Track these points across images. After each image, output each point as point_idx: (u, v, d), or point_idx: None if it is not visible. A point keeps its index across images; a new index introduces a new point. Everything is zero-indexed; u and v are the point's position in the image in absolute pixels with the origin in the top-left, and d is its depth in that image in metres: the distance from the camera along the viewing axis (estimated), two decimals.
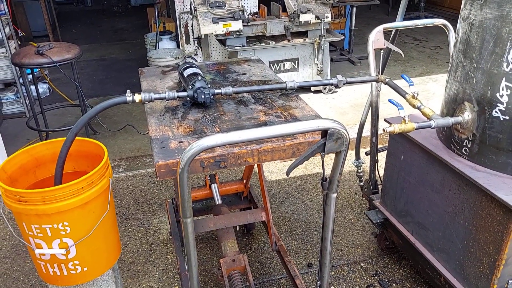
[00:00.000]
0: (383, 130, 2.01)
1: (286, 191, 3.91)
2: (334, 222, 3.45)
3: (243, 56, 5.33)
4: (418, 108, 2.17)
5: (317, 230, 3.40)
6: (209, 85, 2.17)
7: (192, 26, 5.92)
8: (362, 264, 3.05)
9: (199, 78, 2.16)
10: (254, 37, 5.49)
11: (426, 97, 5.53)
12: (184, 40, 5.96)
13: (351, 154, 3.78)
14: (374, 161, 3.03)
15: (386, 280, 2.89)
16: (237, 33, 5.20)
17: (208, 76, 2.60)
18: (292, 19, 5.29)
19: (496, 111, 1.96)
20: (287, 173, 1.72)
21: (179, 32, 6.02)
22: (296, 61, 5.55)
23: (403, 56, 3.09)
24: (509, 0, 1.79)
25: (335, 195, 1.85)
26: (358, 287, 2.86)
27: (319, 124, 1.54)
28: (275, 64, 5.51)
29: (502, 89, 1.91)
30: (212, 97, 2.16)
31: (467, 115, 2.08)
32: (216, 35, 5.25)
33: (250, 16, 5.46)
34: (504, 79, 1.89)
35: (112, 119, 5.21)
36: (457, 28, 2.17)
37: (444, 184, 2.21)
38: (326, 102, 5.63)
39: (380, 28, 2.85)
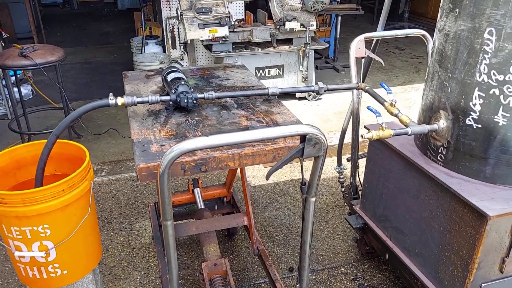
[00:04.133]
0: (361, 136, 2.06)
1: (269, 196, 3.94)
2: (313, 226, 3.50)
3: (229, 62, 5.37)
4: (396, 115, 2.23)
5: (299, 235, 3.44)
6: (192, 90, 2.19)
7: (178, 31, 5.94)
8: (342, 269, 3.09)
9: (182, 82, 2.19)
10: (240, 44, 5.54)
11: (407, 105, 5.64)
12: (170, 45, 5.98)
13: (334, 160, 3.84)
14: (354, 167, 3.09)
15: (366, 284, 2.94)
16: (223, 39, 5.24)
17: (192, 81, 2.63)
18: (277, 27, 5.36)
19: (469, 120, 2.02)
20: (267, 177, 1.75)
21: (165, 36, 6.04)
22: (282, 68, 5.62)
23: (383, 65, 3.16)
24: (481, 13, 1.86)
25: (314, 199, 1.89)
26: None
27: (297, 129, 1.58)
28: (261, 71, 5.56)
29: (475, 98, 1.98)
30: (195, 101, 2.19)
31: (442, 123, 2.15)
32: (202, 41, 5.29)
33: (236, 23, 5.52)
34: (476, 88, 1.96)
35: (96, 122, 5.19)
36: (433, 39, 2.24)
37: (421, 190, 2.27)
38: (310, 109, 5.69)
39: (361, 37, 2.92)
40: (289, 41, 5.57)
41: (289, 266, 3.12)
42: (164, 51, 6.23)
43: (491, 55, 1.88)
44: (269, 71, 5.60)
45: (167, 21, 5.96)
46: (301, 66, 5.62)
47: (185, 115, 2.16)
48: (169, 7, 5.90)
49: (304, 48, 5.47)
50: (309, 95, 5.86)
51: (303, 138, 1.64)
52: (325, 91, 2.44)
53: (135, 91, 2.47)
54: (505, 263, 2.03)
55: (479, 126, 2.00)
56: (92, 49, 8.42)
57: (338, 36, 7.01)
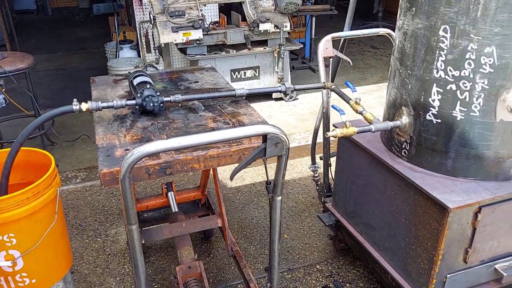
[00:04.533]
0: (326, 134, 2.10)
1: (246, 197, 3.96)
2: (290, 225, 3.54)
3: (204, 65, 5.37)
4: (361, 113, 2.28)
5: None
6: (158, 93, 2.20)
7: (152, 35, 5.92)
8: (318, 266, 3.12)
9: (148, 86, 2.19)
10: (215, 46, 5.55)
11: (382, 103, 5.73)
12: (145, 49, 5.95)
13: (308, 159, 3.88)
14: (327, 165, 3.13)
15: (340, 280, 2.98)
16: (197, 42, 5.25)
17: (160, 84, 2.63)
18: (251, 28, 5.39)
19: (429, 115, 2.08)
20: (231, 178, 1.77)
21: (139, 41, 6.01)
22: (257, 69, 5.64)
23: (351, 64, 3.22)
24: (435, 11, 1.92)
25: (280, 198, 1.91)
26: None
27: (257, 130, 1.61)
28: (236, 72, 5.58)
29: (434, 94, 2.03)
30: (161, 105, 2.20)
31: (405, 119, 2.20)
32: (177, 44, 5.28)
33: (210, 25, 5.53)
34: (435, 84, 2.02)
35: (71, 129, 5.13)
36: (394, 37, 2.30)
37: (387, 185, 2.32)
38: (287, 109, 5.73)
39: (328, 38, 2.96)
40: (263, 43, 5.60)
41: (265, 266, 3.13)
42: (139, 56, 6.19)
43: (447, 51, 1.93)
44: (244, 72, 5.62)
45: (141, 25, 5.93)
46: (276, 67, 5.66)
47: (152, 119, 2.16)
48: (143, 11, 5.88)
49: (278, 49, 5.51)
50: (286, 96, 5.90)
51: (265, 138, 1.66)
52: (292, 91, 2.47)
53: (102, 96, 2.46)
54: (468, 254, 2.09)
55: (439, 121, 2.06)
56: (67, 55, 8.32)
57: (313, 36, 7.08)
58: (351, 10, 3.00)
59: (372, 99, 5.74)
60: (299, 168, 4.42)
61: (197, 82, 2.67)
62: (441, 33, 1.93)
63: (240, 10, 5.70)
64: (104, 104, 2.09)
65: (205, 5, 5.98)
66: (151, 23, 5.30)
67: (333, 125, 2.74)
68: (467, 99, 1.95)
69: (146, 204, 3.11)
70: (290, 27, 5.58)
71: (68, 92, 6.32)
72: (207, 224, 2.85)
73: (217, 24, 5.59)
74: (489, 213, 2.01)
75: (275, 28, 5.38)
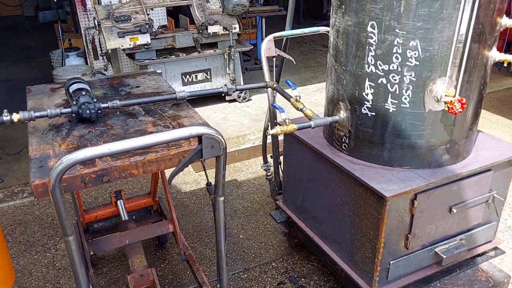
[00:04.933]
0: (267, 133, 2.12)
1: (201, 201, 3.94)
2: (243, 225, 3.55)
3: (149, 69, 5.30)
4: (301, 110, 2.32)
5: (230, 236, 3.47)
6: (95, 100, 2.15)
7: (99, 41, 5.78)
8: (273, 264, 3.15)
9: (84, 93, 2.14)
10: (164, 50, 5.50)
11: None
12: (92, 56, 5.80)
13: (260, 159, 3.91)
14: (277, 164, 3.17)
15: (296, 276, 3.02)
16: (146, 46, 5.18)
17: (99, 91, 2.57)
18: (200, 31, 5.37)
19: (364, 109, 2.15)
20: (169, 182, 1.76)
21: (86, 48, 5.85)
22: (209, 72, 5.63)
23: (294, 63, 3.27)
24: (363, 8, 1.99)
25: (222, 198, 1.92)
26: (269, 287, 2.95)
27: (191, 131, 1.60)
28: (187, 76, 5.55)
29: (367, 88, 2.10)
30: (99, 111, 2.15)
31: (343, 114, 2.26)
32: (124, 50, 5.19)
33: (159, 30, 5.47)
34: (367, 79, 2.09)
35: (16, 142, 4.93)
36: (329, 35, 2.36)
37: (330, 179, 2.37)
38: (241, 111, 5.75)
39: (270, 37, 3.00)
40: (213, 45, 5.60)
41: None
42: (87, 63, 6.03)
43: (376, 47, 2.01)
44: (196, 76, 5.60)
45: (87, 32, 5.78)
46: (228, 69, 5.66)
47: (89, 127, 2.11)
48: (87, 17, 5.73)
49: (229, 51, 5.53)
50: (239, 97, 5.92)
51: (201, 139, 1.67)
52: (234, 91, 2.48)
53: (38, 105, 2.38)
54: (409, 240, 2.18)
55: (373, 114, 2.13)
56: (13, 66, 7.99)
57: (264, 37, 7.13)
58: (290, 10, 3.06)
59: (323, 97, 5.86)
60: (253, 168, 4.45)
61: (139, 87, 2.64)
62: (369, 29, 2.00)
63: (188, 13, 5.66)
64: (37, 114, 2.02)
65: (152, 9, 5.91)
66: (96, 29, 5.17)
67: (277, 123, 2.78)
68: (397, 92, 2.03)
69: (95, 214, 3.04)
70: (240, 28, 5.61)
71: (13, 104, 6.05)
72: (158, 230, 2.82)
73: (165, 28, 5.53)
74: (425, 199, 2.11)
75: (224, 30, 5.40)
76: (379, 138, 2.17)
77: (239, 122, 5.36)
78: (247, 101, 5.98)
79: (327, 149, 2.39)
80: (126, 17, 5.09)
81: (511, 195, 3.79)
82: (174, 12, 6.22)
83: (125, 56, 5.62)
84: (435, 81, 1.97)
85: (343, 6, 2.09)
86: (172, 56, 5.43)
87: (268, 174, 3.43)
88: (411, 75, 1.98)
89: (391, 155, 2.18)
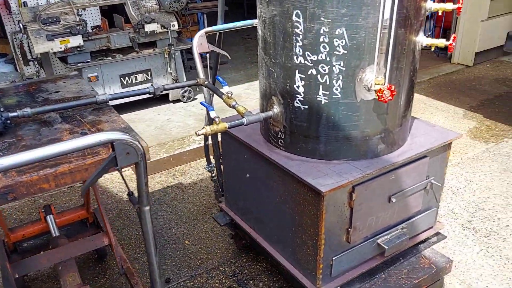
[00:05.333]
0: (196, 133, 1.99)
1: None
2: (185, 230, 3.40)
3: (88, 73, 5.03)
4: (233, 107, 2.21)
5: (176, 242, 3.31)
6: (2, 109, 1.94)
7: (28, 45, 5.40)
8: (221, 268, 3.03)
9: None
10: (100, 52, 5.22)
11: None
12: (22, 62, 5.41)
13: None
14: (218, 164, 3.04)
15: (244, 279, 2.92)
16: (78, 49, 4.89)
17: (13, 99, 2.34)
18: (137, 30, 5.14)
19: (297, 102, 2.07)
20: (81, 195, 1.59)
21: (14, 53, 5.45)
22: (149, 72, 5.41)
23: (229, 58, 3.15)
24: None
25: (147, 207, 1.78)
26: None
27: (100, 138, 1.45)
28: (127, 78, 5.30)
29: (298, 81, 2.02)
30: (8, 121, 1.94)
31: (276, 109, 2.17)
32: (55, 53, 4.87)
33: (92, 30, 5.18)
34: (297, 71, 2.00)
35: None
36: (257, 27, 2.26)
37: (269, 177, 2.28)
38: (186, 111, 5.58)
39: (202, 33, 2.87)
40: (152, 44, 5.38)
41: (166, 277, 2.97)
42: (17, 70, 5.62)
43: (302, 37, 1.92)
44: (135, 77, 5.35)
45: (14, 36, 5.38)
46: (169, 68, 5.46)
47: None
48: (13, 21, 5.34)
49: (169, 50, 5.33)
50: (183, 97, 5.74)
51: (113, 146, 1.51)
52: (161, 91, 2.33)
53: None
54: (350, 234, 2.12)
55: (306, 107, 2.05)
56: None
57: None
58: (221, 3, 2.93)
59: None
60: (199, 170, 4.30)
61: (58, 92, 2.42)
62: (294, 18, 1.91)
63: (122, 12, 5.41)
64: None
65: (84, 9, 5.59)
66: (23, 33, 4.82)
67: (213, 122, 2.66)
68: (327, 83, 1.96)
69: (22, 233, 2.78)
70: (179, 26, 5.42)
71: None
72: (91, 244, 2.62)
73: (99, 29, 5.25)
74: (362, 191, 2.06)
75: (162, 28, 5.19)
76: (314, 132, 2.09)
77: (184, 123, 5.18)
78: (192, 100, 5.81)
79: (264, 147, 2.29)
80: (55, 19, 4.77)
81: (453, 178, 3.88)
82: (109, 12, 5.93)
83: (58, 60, 5.28)
84: (365, 70, 1.92)
85: None
86: (108, 58, 5.16)
87: (213, 175, 3.30)
88: (340, 65, 1.91)
89: (327, 148, 2.11)
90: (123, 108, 5.23)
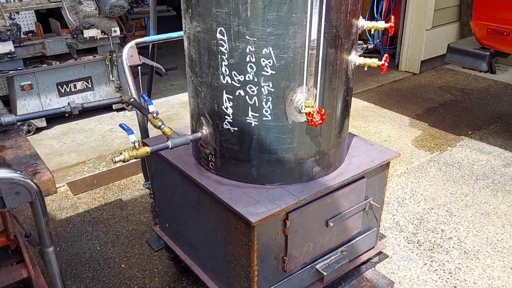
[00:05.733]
0: (113, 160, 1.80)
1: (78, 228, 3.49)
2: (118, 255, 3.17)
3: (21, 81, 4.68)
4: (159, 127, 2.05)
5: (110, 266, 3.09)
6: None
7: None
8: None
9: None
10: (35, 59, 4.87)
11: None
12: None
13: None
14: (153, 184, 2.85)
15: None
16: (9, 55, 4.53)
17: None
18: (75, 36, 4.84)
19: (226, 124, 1.93)
20: None
21: None
22: (89, 80, 5.11)
23: (164, 71, 2.98)
24: (209, 13, 1.75)
25: (51, 248, 1.57)
26: None
27: None
28: (65, 86, 4.98)
29: (226, 102, 1.88)
30: None
31: (205, 130, 2.02)
32: None
33: (25, 36, 4.83)
34: (224, 91, 1.87)
35: None
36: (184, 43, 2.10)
37: (200, 202, 2.13)
38: (130, 120, 5.31)
39: (132, 44, 2.68)
40: (93, 50, 5.09)
41: None
42: None
43: (228, 55, 1.79)
44: (74, 85, 5.04)
45: None
46: (111, 76, 5.19)
47: None
48: None
49: (110, 57, 5.05)
50: (127, 105, 5.47)
51: None
52: (80, 110, 2.12)
53: None
54: (286, 262, 2.01)
55: (236, 129, 1.92)
56: None
57: None
58: (153, 13, 2.75)
59: None
60: (141, 185, 4.08)
61: None
62: (218, 36, 1.77)
63: (59, 17, 5.08)
64: None
65: (17, 12, 5.22)
66: None
67: (143, 142, 2.47)
68: (257, 104, 1.84)
69: None
70: (122, 31, 5.17)
71: None
72: (7, 278, 2.36)
73: (33, 34, 4.90)
74: (297, 217, 1.95)
75: (103, 34, 4.92)
76: (245, 155, 1.96)
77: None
78: None
79: (194, 169, 2.14)
80: None
81: (399, 188, 3.88)
82: (46, 16, 5.57)
83: None
84: (295, 91, 1.81)
85: (190, 10, 1.84)
86: (44, 65, 4.83)
87: (151, 192, 3.10)
88: (268, 86, 1.79)
89: (260, 172, 1.99)
90: (62, 117, 4.92)
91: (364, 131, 4.95)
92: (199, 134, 2.02)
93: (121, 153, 1.82)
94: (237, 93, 1.84)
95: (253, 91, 1.81)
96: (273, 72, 1.77)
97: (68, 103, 2.10)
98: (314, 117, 1.71)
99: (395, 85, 6.22)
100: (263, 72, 1.77)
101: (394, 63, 6.79)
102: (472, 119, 5.09)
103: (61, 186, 4.04)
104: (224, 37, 1.75)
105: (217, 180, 2.05)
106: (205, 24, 1.79)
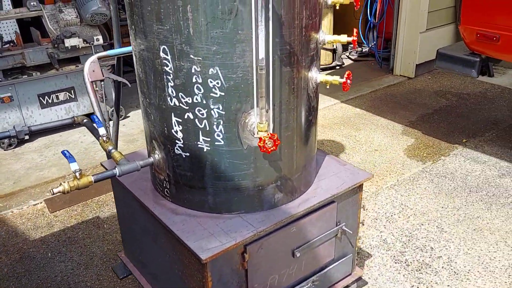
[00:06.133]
0: (51, 191, 1.65)
1: (51, 249, 3.35)
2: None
3: (0, 93, 4.56)
4: (109, 152, 1.90)
5: None
6: None
7: None
8: None
9: None
10: (16, 69, 4.75)
11: None
12: None
13: None
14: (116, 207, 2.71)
15: None
16: None
17: None
18: (56, 45, 4.71)
19: (177, 149, 1.77)
20: None
21: None
22: (72, 91, 4.98)
23: (129, 86, 2.83)
24: (151, 30, 1.60)
25: None
26: None
27: None
28: (47, 97, 4.85)
29: (175, 125, 1.73)
30: None
31: (158, 155, 1.87)
32: None
33: (4, 46, 4.72)
34: (173, 114, 1.71)
35: None
36: None
37: (156, 232, 1.98)
38: (121, 128, 5.18)
39: (94, 58, 2.54)
40: (75, 60, 4.96)
41: None
42: None
43: (173, 76, 1.63)
44: (57, 96, 4.92)
45: None
46: (95, 86, 5.04)
47: None
48: None
49: None
50: (112, 115, 5.34)
51: None
52: (26, 134, 1.98)
53: None
54: None
55: (188, 154, 1.76)
56: None
57: None
58: (115, 23, 2.61)
59: None
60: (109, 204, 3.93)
61: None
62: (162, 54, 1.62)
63: (39, 26, 4.97)
64: None
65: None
66: None
67: (101, 164, 2.33)
68: (207, 128, 1.68)
69: None
70: (105, 39, 5.03)
71: None
72: None
73: (12, 44, 4.78)
74: (256, 249, 1.78)
75: (85, 43, 4.79)
76: (199, 182, 1.80)
77: None
78: (123, 118, 5.41)
79: (150, 196, 1.98)
80: None
81: (388, 202, 3.70)
82: (28, 25, 5.46)
83: None
84: (248, 113, 1.65)
85: (133, 27, 1.69)
86: (24, 76, 4.71)
87: None
88: (218, 108, 1.63)
89: (216, 201, 1.83)
90: (45, 130, 4.80)
91: (354, 140, 4.77)
92: (150, 160, 1.86)
93: (60, 183, 1.67)
94: (185, 116, 1.68)
95: (202, 114, 1.65)
96: (223, 94, 1.61)
97: (14, 127, 1.96)
98: (266, 143, 1.55)
99: (389, 90, 6.02)
100: (212, 94, 1.61)
101: (389, 67, 6.60)
102: (468, 126, 4.89)
103: (38, 203, 3.91)
104: (167, 56, 1.60)
105: (172, 208, 1.89)
106: (148, 42, 1.64)
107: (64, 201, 3.93)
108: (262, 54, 1.48)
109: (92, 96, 2.57)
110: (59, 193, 1.66)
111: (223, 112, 1.64)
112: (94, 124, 1.95)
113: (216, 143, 1.70)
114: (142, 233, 2.14)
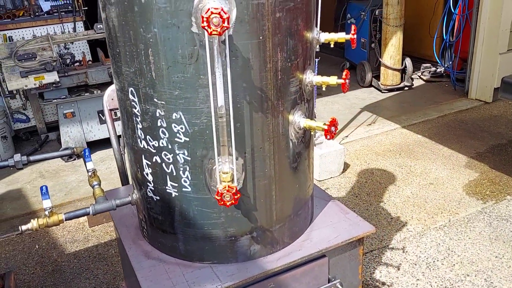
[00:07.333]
0: (20, 228, 1.68)
1: (81, 264, 3.49)
2: None
3: (64, 109, 4.94)
4: (93, 187, 1.90)
5: None
6: None
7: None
8: None
9: None
10: (81, 87, 5.13)
11: None
12: (2, 94, 5.44)
13: None
14: None
15: None
16: (54, 85, 4.81)
17: None
18: None
19: (149, 191, 1.71)
20: None
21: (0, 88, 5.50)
22: None
23: None
24: (121, 71, 1.56)
25: None
26: None
27: None
28: None
29: (146, 168, 1.67)
30: None
31: (135, 194, 1.82)
32: (30, 90, 4.83)
33: (73, 65, 5.12)
34: (143, 156, 1.65)
35: None
36: None
37: (131, 270, 1.92)
38: None
39: (113, 86, 2.59)
40: None
41: None
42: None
43: (141, 118, 1.58)
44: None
45: None
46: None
47: None
48: None
49: None
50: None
51: None
52: (24, 164, 2.06)
53: None
54: None
55: (158, 198, 1.69)
56: None
57: None
58: None
59: None
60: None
61: None
62: (130, 96, 1.57)
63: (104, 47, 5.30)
64: None
65: (72, 43, 5.57)
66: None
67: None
68: (174, 173, 1.59)
69: None
70: None
71: None
72: None
73: (78, 64, 5.17)
74: None
75: None
76: (170, 227, 1.72)
77: None
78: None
79: (131, 234, 1.94)
80: (31, 55, 4.74)
81: (433, 246, 3.29)
82: (99, 45, 5.87)
83: None
84: (214, 161, 1.53)
85: (112, 67, 1.67)
86: (86, 94, 5.05)
87: None
88: (184, 154, 1.54)
89: (187, 248, 1.73)
90: (104, 142, 5.06)
91: (408, 170, 4.37)
92: (128, 199, 1.82)
93: (30, 220, 1.69)
94: (153, 160, 1.62)
95: (168, 159, 1.57)
96: (187, 139, 1.51)
97: (13, 156, 2.04)
98: (224, 197, 1.41)
99: (460, 116, 5.45)
100: (176, 139, 1.52)
101: (464, 90, 6.00)
102: None
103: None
104: (135, 98, 1.55)
105: (146, 251, 1.83)
106: (120, 83, 1.61)
107: (104, 216, 4.09)
108: (220, 102, 1.36)
109: (109, 124, 2.63)
110: (27, 231, 1.68)
111: (189, 158, 1.54)
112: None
113: (183, 189, 1.60)
114: (127, 267, 2.10)
